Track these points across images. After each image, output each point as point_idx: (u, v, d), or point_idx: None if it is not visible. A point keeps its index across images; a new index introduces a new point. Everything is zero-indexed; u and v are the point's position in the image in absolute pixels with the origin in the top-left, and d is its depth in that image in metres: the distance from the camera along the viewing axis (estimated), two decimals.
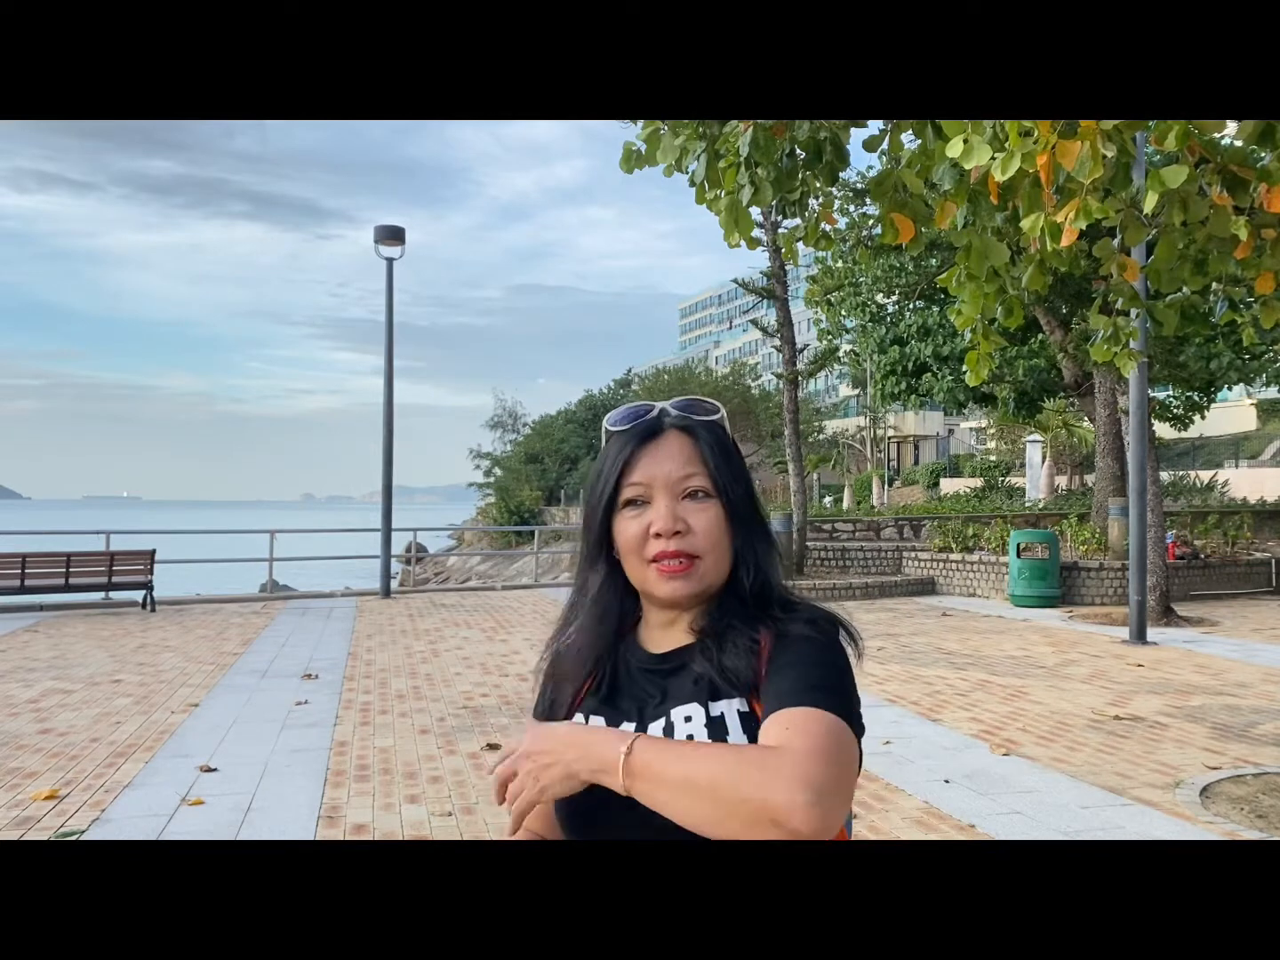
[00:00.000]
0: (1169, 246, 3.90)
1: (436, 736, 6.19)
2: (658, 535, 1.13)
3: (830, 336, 18.73)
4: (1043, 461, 28.81)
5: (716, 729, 1.08)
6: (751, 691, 1.09)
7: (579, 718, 1.20)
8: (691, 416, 1.20)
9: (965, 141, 3.09)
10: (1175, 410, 18.19)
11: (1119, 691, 7.58)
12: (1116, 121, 2.90)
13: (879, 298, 17.72)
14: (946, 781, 5.18)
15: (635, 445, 1.17)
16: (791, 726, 0.97)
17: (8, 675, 8.15)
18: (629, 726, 1.14)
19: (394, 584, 15.67)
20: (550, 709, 1.24)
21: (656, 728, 1.12)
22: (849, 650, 1.14)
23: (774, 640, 1.11)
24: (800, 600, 1.20)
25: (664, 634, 1.20)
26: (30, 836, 4.31)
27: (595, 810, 1.04)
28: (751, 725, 1.08)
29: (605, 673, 1.20)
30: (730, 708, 1.10)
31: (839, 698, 1.04)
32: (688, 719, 1.11)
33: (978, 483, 29.46)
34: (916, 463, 45.49)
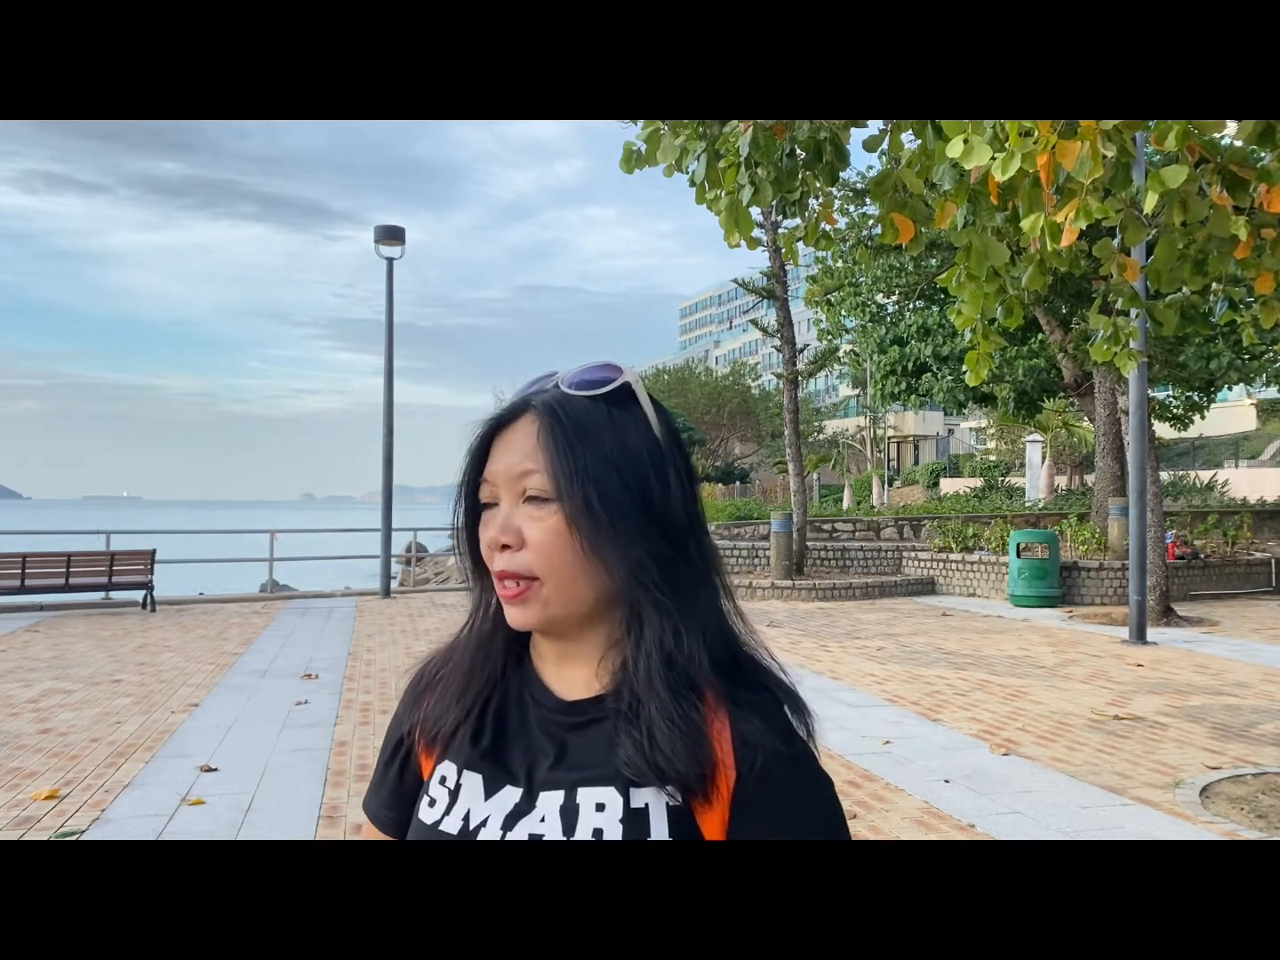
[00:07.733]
0: (1169, 246, 3.90)
1: None
2: (489, 547, 0.90)
3: (830, 336, 18.75)
4: (1043, 461, 28.81)
5: (636, 825, 0.86)
6: (695, 788, 0.85)
7: (448, 768, 0.94)
8: (561, 390, 0.91)
9: (965, 141, 3.10)
10: (1175, 410, 18.19)
11: (1119, 691, 7.58)
12: (1116, 121, 2.90)
13: (879, 298, 17.74)
14: (946, 781, 5.18)
15: (490, 430, 0.92)
16: None
17: (8, 675, 8.16)
18: (514, 793, 0.90)
19: (394, 584, 15.68)
20: (407, 735, 1.00)
21: (552, 801, 0.89)
22: (811, 742, 0.91)
23: (732, 735, 0.87)
24: (744, 651, 0.93)
25: (564, 671, 0.94)
26: (30, 836, 4.31)
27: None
28: (682, 824, 0.86)
29: (490, 715, 0.95)
30: (657, 799, 0.86)
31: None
32: (600, 807, 0.87)
33: (978, 483, 29.47)
34: (916, 463, 45.51)
